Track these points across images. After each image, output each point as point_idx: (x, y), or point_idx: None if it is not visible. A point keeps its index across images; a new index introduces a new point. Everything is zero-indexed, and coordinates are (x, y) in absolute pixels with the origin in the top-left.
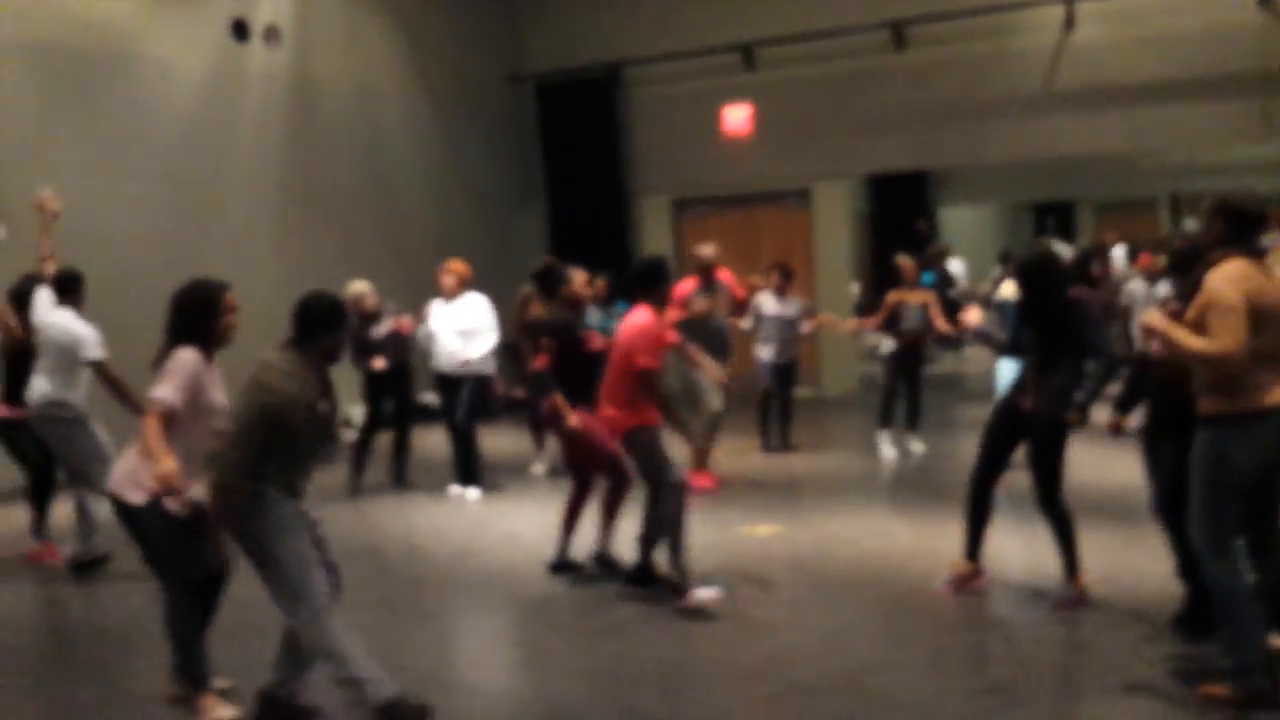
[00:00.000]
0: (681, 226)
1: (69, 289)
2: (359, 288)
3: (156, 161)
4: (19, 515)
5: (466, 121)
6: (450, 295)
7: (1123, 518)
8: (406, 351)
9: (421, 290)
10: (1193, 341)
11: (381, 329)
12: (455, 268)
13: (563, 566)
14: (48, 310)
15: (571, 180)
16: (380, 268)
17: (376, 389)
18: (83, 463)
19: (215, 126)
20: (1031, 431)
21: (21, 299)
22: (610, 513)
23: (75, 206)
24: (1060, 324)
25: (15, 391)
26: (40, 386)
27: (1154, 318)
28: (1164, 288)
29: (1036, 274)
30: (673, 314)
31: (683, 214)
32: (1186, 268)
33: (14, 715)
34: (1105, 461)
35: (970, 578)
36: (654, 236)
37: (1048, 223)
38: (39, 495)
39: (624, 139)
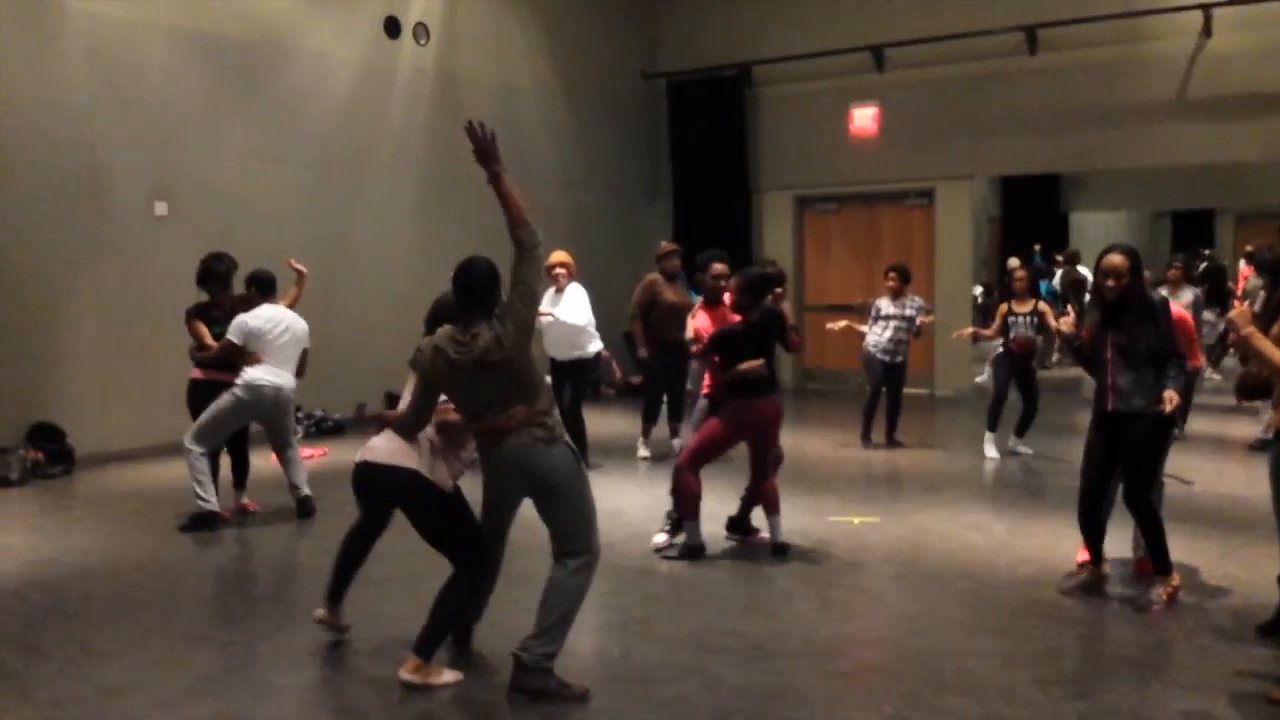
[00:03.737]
0: (803, 223)
1: (270, 288)
2: None
3: (309, 147)
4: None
5: (600, 117)
6: (559, 286)
7: (1225, 526)
8: None
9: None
10: None
11: None
12: (555, 258)
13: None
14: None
15: (698, 175)
16: (510, 255)
17: None
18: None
19: (364, 116)
20: (1132, 431)
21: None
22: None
23: (234, 187)
24: (1143, 321)
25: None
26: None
27: (1240, 317)
28: None
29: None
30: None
31: (804, 210)
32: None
33: (185, 656)
34: (1215, 471)
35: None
36: (775, 232)
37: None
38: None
39: (751, 136)
